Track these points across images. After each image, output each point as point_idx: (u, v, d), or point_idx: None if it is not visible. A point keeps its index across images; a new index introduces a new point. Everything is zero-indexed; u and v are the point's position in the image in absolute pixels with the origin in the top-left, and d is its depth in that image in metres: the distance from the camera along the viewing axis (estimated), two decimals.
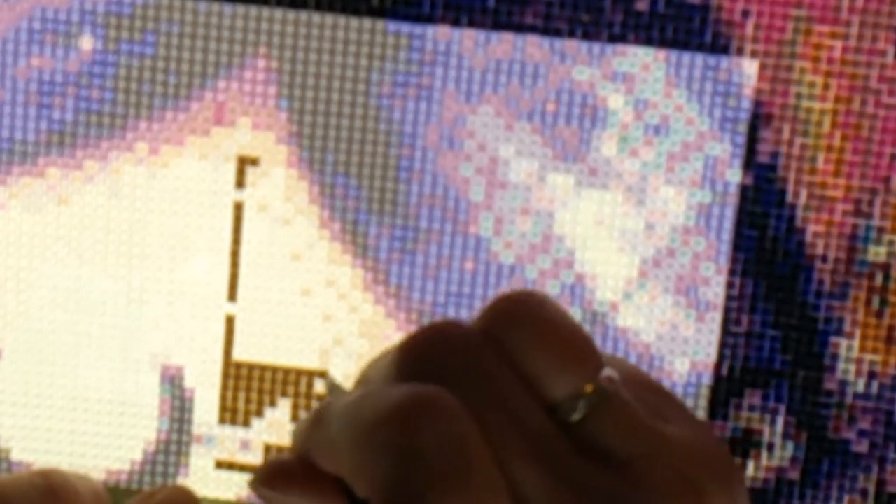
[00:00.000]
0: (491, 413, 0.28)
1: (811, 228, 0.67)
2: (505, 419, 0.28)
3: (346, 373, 0.70)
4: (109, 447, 0.71)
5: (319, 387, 0.70)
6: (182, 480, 0.71)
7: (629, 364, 0.30)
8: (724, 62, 0.66)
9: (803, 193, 0.67)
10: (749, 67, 0.66)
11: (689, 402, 0.69)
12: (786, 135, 0.66)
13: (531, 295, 0.30)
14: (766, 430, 0.69)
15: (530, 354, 0.29)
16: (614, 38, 0.66)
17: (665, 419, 0.29)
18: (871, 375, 0.68)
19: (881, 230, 0.67)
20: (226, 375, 0.70)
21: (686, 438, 0.28)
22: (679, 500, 0.27)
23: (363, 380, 0.31)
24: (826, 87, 0.66)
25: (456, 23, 0.67)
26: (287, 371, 0.70)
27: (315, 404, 0.70)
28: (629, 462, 0.28)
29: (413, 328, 0.69)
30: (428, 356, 0.29)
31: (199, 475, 0.71)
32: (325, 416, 0.30)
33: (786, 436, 0.69)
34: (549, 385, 0.28)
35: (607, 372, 0.29)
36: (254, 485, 0.30)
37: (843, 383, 0.68)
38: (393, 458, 0.27)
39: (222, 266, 0.69)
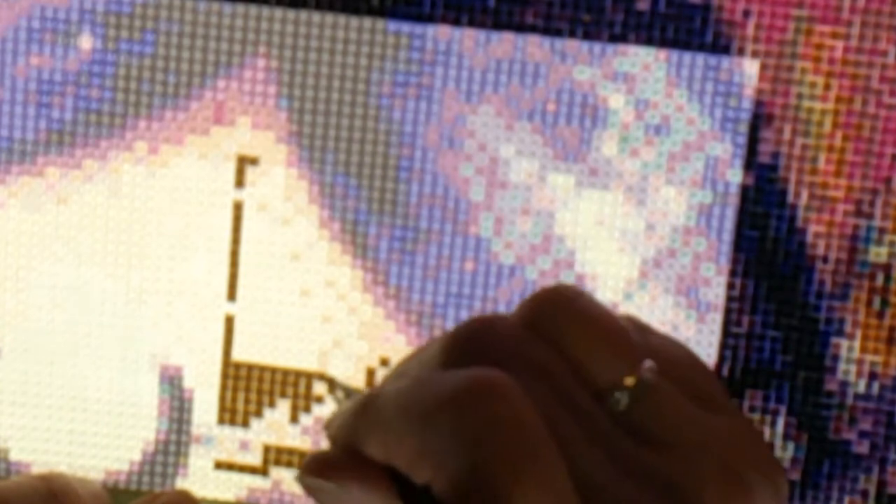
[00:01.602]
0: (543, 397, 0.28)
1: (812, 229, 0.67)
2: (558, 404, 0.28)
3: (345, 375, 0.70)
4: (108, 447, 0.71)
5: (318, 388, 0.70)
6: (181, 481, 0.71)
7: (680, 346, 0.30)
8: (725, 62, 0.66)
9: (804, 194, 0.67)
10: (750, 67, 0.66)
11: None
12: (787, 135, 0.66)
13: (568, 288, 0.30)
14: (767, 430, 0.69)
15: (573, 345, 0.29)
16: (615, 38, 0.66)
17: (710, 407, 0.29)
18: (872, 376, 0.68)
19: (882, 231, 0.67)
20: (225, 376, 0.70)
21: (732, 430, 0.28)
22: (728, 492, 0.27)
23: (400, 373, 0.31)
24: (827, 87, 0.66)
25: (456, 22, 0.67)
26: (286, 372, 0.70)
27: (314, 405, 0.70)
28: (677, 449, 0.28)
29: (412, 329, 0.69)
30: (476, 345, 0.29)
31: (198, 475, 0.71)
32: (372, 404, 0.29)
33: (786, 437, 0.69)
34: (594, 374, 0.29)
35: (648, 363, 0.29)
36: (301, 475, 0.30)
37: (844, 384, 0.68)
38: (459, 441, 0.27)
39: (221, 266, 0.69)
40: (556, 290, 0.30)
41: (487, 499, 0.26)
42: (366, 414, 0.29)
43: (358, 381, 0.70)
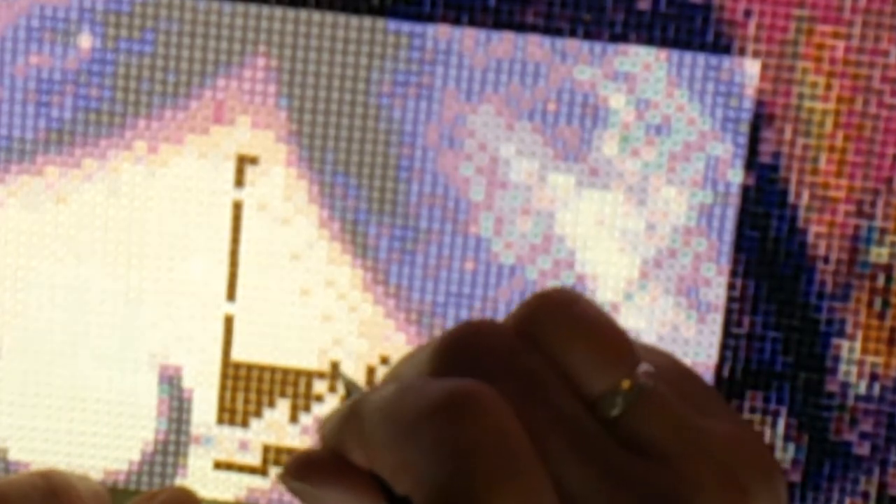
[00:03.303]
0: (531, 408, 0.27)
1: (813, 229, 0.67)
2: (545, 414, 0.27)
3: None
4: (107, 447, 0.71)
5: (318, 387, 0.70)
6: (180, 481, 0.71)
7: (668, 356, 0.30)
8: (726, 62, 0.66)
9: (805, 194, 0.67)
10: (751, 67, 0.66)
11: None
12: (788, 135, 0.66)
13: (564, 292, 0.29)
14: (768, 432, 0.68)
15: (567, 350, 0.28)
16: (616, 38, 0.66)
17: (705, 413, 0.28)
18: (873, 377, 0.68)
19: (883, 231, 0.67)
20: (224, 376, 0.70)
21: (728, 434, 0.28)
22: (724, 497, 0.27)
23: (394, 375, 0.30)
24: (828, 87, 0.66)
25: (456, 22, 0.66)
26: (286, 371, 0.70)
27: (314, 405, 0.70)
28: (671, 458, 0.27)
29: (412, 328, 0.69)
30: (465, 352, 0.28)
31: (197, 476, 0.71)
32: (358, 410, 0.29)
33: (787, 438, 0.68)
34: (587, 380, 0.28)
35: (644, 367, 0.29)
36: (284, 477, 0.30)
37: (845, 385, 0.68)
38: (438, 454, 0.26)
39: (221, 265, 0.69)
40: (551, 295, 0.29)
41: None
42: (352, 420, 0.29)
43: (359, 380, 0.70)
